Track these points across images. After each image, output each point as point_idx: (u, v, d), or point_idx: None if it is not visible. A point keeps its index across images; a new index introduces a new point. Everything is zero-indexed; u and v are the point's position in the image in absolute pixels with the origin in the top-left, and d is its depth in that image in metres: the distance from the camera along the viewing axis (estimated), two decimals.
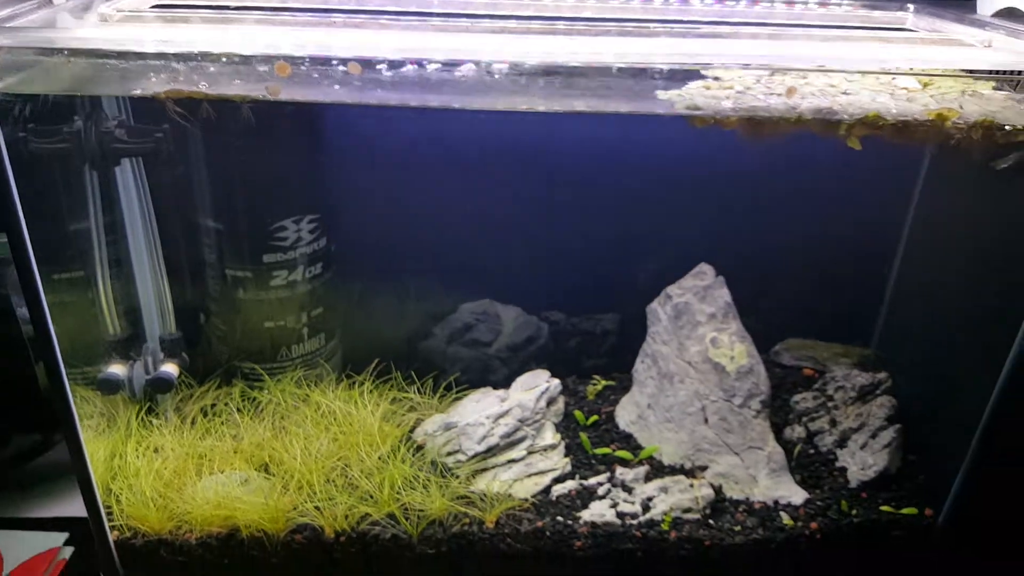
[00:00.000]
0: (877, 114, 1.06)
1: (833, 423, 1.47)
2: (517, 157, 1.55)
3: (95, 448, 1.39)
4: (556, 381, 1.53)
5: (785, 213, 1.55)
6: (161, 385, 1.41)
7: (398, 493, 1.34)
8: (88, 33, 1.04)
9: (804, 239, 1.54)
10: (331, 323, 1.59)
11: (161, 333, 1.43)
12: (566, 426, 1.53)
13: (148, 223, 1.37)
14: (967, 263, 1.40)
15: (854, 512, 1.38)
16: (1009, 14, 1.25)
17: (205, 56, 0.98)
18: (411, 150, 1.54)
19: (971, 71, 1.09)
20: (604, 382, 1.63)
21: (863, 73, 1.09)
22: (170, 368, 1.43)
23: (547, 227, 1.62)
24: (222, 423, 1.45)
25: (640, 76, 1.06)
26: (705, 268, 1.46)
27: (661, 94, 1.08)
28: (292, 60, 0.99)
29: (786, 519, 1.36)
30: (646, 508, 1.36)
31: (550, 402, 1.51)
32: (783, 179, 1.50)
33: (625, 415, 1.54)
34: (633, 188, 1.57)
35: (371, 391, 1.51)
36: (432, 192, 1.59)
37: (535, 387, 1.50)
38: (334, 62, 0.99)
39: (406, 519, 1.32)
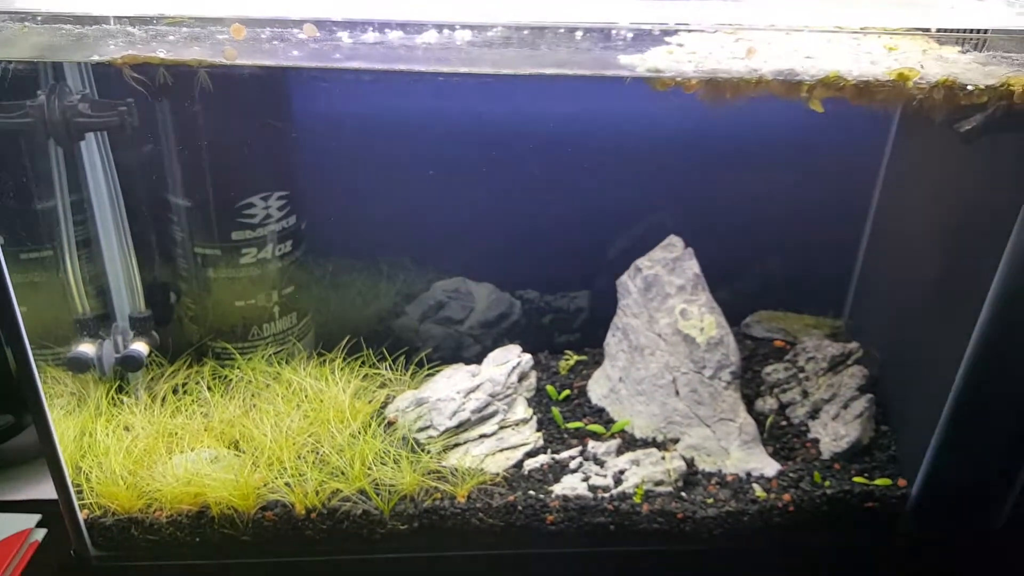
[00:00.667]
0: (837, 74, 1.06)
1: (805, 394, 1.47)
2: (489, 134, 1.55)
3: (65, 427, 1.39)
4: (527, 356, 1.53)
5: (755, 184, 1.55)
6: (131, 363, 1.40)
7: (369, 469, 1.34)
8: None
9: (774, 210, 1.54)
10: (303, 302, 1.58)
11: (131, 311, 1.43)
12: (538, 401, 1.53)
13: (115, 200, 1.36)
14: (936, 232, 1.40)
15: (827, 483, 1.38)
16: None
17: (158, 19, 0.98)
18: (382, 127, 1.54)
19: (934, 29, 1.10)
20: (576, 357, 1.63)
21: (823, 32, 1.09)
22: (140, 346, 1.42)
23: (519, 203, 1.62)
24: (192, 401, 1.45)
25: (603, 40, 1.05)
26: (674, 240, 1.46)
27: (623, 58, 1.07)
28: (245, 22, 0.99)
29: (759, 491, 1.36)
30: (618, 481, 1.36)
31: (522, 377, 1.51)
32: (752, 151, 1.51)
33: (597, 389, 1.54)
34: (602, 162, 1.57)
35: (342, 368, 1.50)
36: (404, 169, 1.58)
37: (506, 362, 1.49)
38: (289, 24, 0.99)
39: (377, 495, 1.32)
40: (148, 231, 1.48)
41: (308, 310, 1.61)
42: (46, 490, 1.52)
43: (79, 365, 1.37)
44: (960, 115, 1.13)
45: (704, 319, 1.41)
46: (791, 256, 1.60)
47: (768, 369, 1.53)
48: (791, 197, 1.54)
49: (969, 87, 1.07)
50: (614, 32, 1.06)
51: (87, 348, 1.38)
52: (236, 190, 1.43)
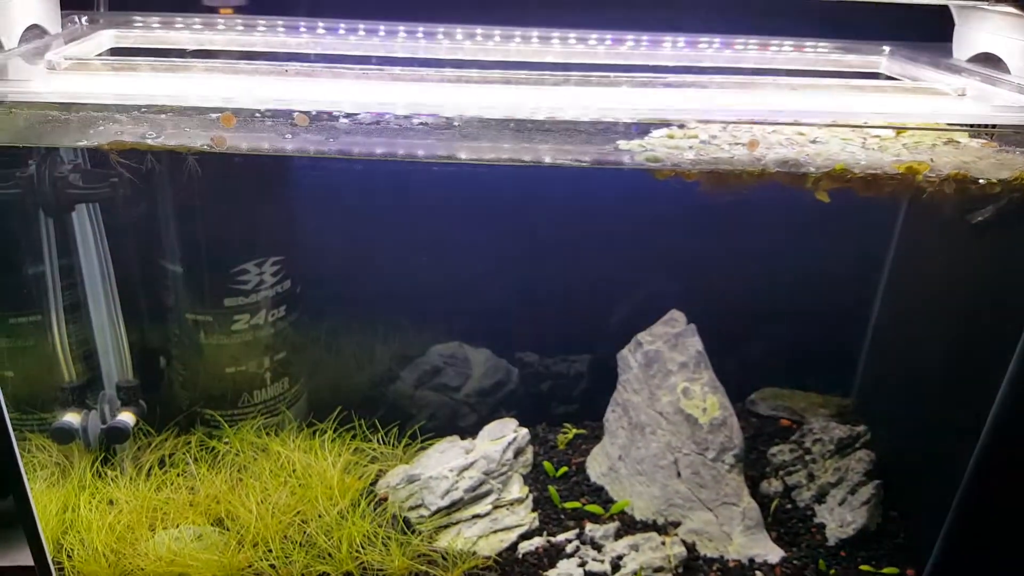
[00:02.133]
0: (844, 167, 1.03)
1: (811, 477, 1.42)
2: (488, 198, 1.52)
3: (47, 500, 1.35)
4: (524, 431, 1.48)
5: (762, 258, 1.51)
6: (117, 435, 1.37)
7: (357, 551, 1.29)
8: (34, 83, 1.01)
9: (783, 286, 1.51)
10: (295, 367, 1.55)
11: (118, 380, 1.40)
12: (535, 477, 1.48)
13: (105, 267, 1.33)
14: (948, 312, 1.36)
15: (832, 572, 1.32)
16: (985, 59, 1.22)
17: (147, 108, 0.96)
18: (379, 191, 1.51)
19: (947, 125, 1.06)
20: (575, 430, 1.58)
21: (831, 127, 1.06)
22: (126, 417, 1.39)
23: (516, 269, 1.59)
24: (178, 474, 1.41)
25: (603, 129, 1.03)
26: (676, 315, 1.42)
27: (623, 144, 1.04)
28: (237, 112, 0.97)
29: None
30: (616, 567, 1.31)
31: (518, 453, 1.46)
32: (761, 224, 1.47)
33: (596, 466, 1.49)
34: (607, 232, 1.54)
35: (333, 440, 1.46)
36: (400, 234, 1.56)
37: (502, 437, 1.45)
38: (281, 114, 0.97)
39: None
40: (139, 295, 1.45)
41: (300, 375, 1.58)
42: (28, 557, 1.48)
43: (64, 436, 1.34)
44: (972, 205, 1.09)
45: (707, 399, 1.37)
46: (799, 332, 1.56)
47: (774, 450, 1.48)
48: (800, 272, 1.50)
49: (981, 180, 1.03)
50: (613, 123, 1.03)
51: (72, 418, 1.35)
52: (230, 256, 1.41)
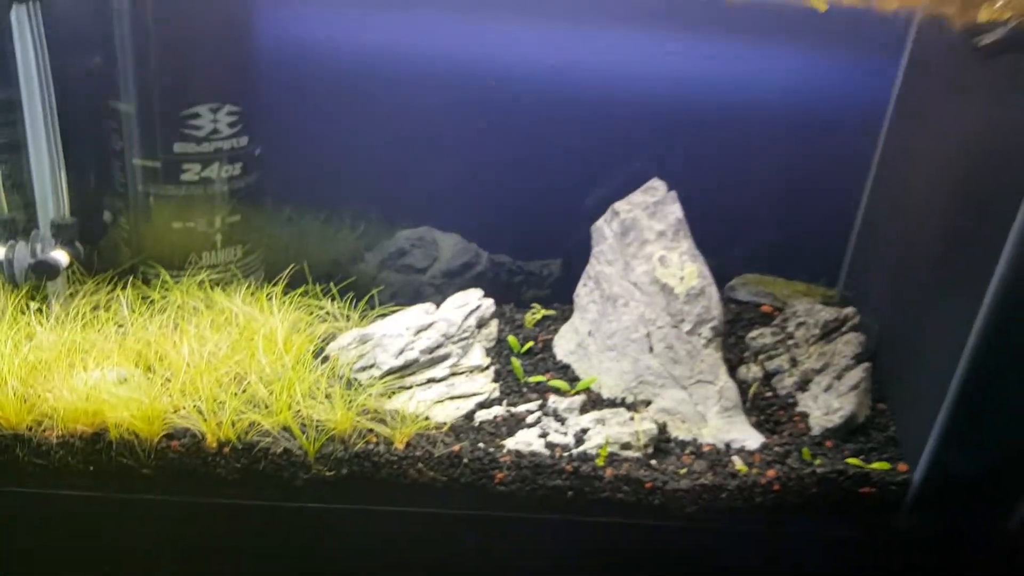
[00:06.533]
0: None
1: (793, 362, 1.32)
2: (465, 81, 1.46)
3: None
4: (489, 301, 1.38)
5: (748, 142, 1.44)
6: (46, 269, 1.26)
7: (297, 403, 1.17)
8: None
9: (764, 168, 1.44)
10: (250, 236, 1.45)
11: (53, 217, 1.29)
12: (498, 352, 1.37)
13: (47, 96, 1.24)
14: (944, 188, 1.28)
15: (818, 461, 1.21)
16: None
17: None
18: (352, 65, 1.45)
19: None
20: (544, 311, 1.47)
21: None
22: (58, 254, 1.28)
23: (493, 153, 1.52)
24: (109, 319, 1.29)
25: None
26: (656, 183, 1.33)
27: None
28: None
29: (739, 464, 1.19)
30: (579, 440, 1.20)
31: (481, 323, 1.35)
32: (748, 109, 1.41)
33: (564, 344, 1.38)
34: (591, 116, 1.47)
35: (283, 300, 1.35)
36: (372, 112, 1.49)
37: (465, 304, 1.34)
38: None
39: (303, 433, 1.15)
40: (84, 139, 1.36)
41: (256, 247, 1.47)
42: None
43: None
44: (980, 29, 1.03)
45: (685, 267, 1.27)
46: (782, 218, 1.48)
47: (753, 334, 1.37)
48: (783, 155, 1.43)
49: None
50: None
51: None
52: (181, 95, 1.31)
